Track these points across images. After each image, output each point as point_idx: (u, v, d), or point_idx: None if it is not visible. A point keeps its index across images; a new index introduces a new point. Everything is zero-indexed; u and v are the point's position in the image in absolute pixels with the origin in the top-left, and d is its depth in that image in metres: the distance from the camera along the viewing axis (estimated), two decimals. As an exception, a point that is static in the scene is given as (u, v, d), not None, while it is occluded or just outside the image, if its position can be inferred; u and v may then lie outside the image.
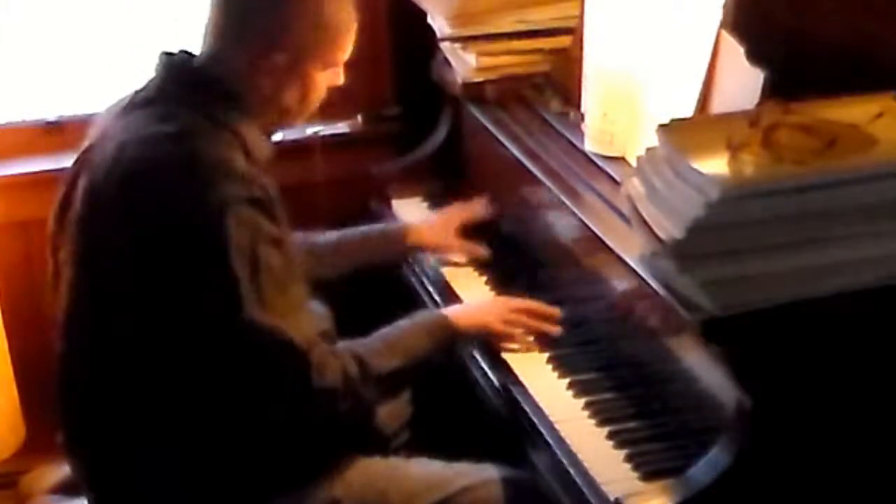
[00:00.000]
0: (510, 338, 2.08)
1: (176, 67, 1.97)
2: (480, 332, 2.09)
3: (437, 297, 2.33)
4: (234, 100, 1.94)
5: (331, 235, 2.34)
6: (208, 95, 1.93)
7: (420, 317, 2.07)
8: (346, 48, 2.01)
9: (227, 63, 1.95)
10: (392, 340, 1.99)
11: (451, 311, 2.11)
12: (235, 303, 1.80)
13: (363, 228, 2.41)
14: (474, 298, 2.26)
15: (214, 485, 1.94)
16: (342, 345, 1.97)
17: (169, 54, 1.98)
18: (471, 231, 2.48)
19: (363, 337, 2.00)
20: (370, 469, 2.05)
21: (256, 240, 1.82)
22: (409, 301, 2.36)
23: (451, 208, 2.52)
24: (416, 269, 2.46)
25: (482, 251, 2.41)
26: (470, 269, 2.40)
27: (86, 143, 2.00)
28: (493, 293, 2.29)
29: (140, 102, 1.95)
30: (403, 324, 2.03)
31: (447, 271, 2.40)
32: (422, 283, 2.42)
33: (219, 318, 1.82)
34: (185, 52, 1.99)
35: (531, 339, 2.09)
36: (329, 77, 2.02)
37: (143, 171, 1.86)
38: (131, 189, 1.86)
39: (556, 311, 2.11)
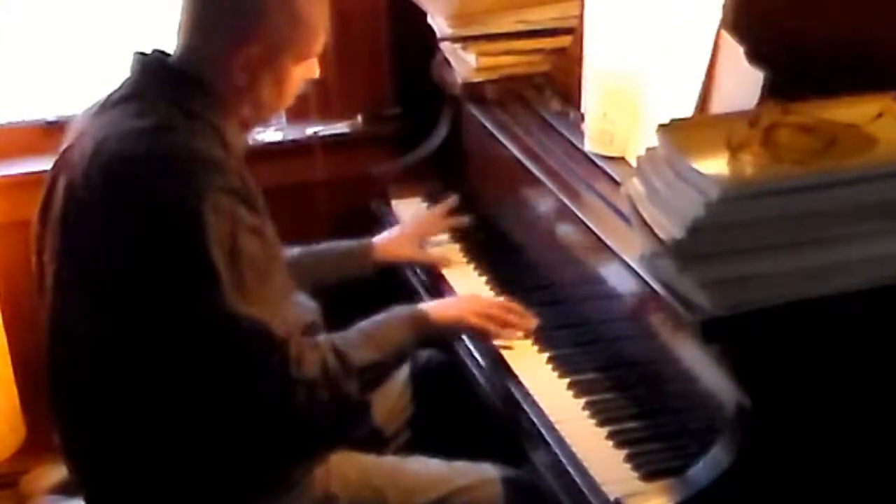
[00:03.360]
0: (485, 333, 2.10)
1: (150, 65, 1.98)
2: (456, 327, 2.11)
3: (430, 289, 2.34)
4: (210, 94, 1.95)
5: (293, 250, 2.30)
6: (184, 90, 1.94)
7: (398, 311, 2.07)
8: (321, 40, 2.01)
9: (202, 58, 1.95)
10: (370, 333, 1.99)
11: (427, 306, 2.12)
12: (215, 292, 1.80)
13: (327, 246, 2.40)
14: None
15: (206, 480, 1.94)
16: (321, 337, 1.97)
17: (142, 54, 1.99)
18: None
19: (348, 327, 2.01)
20: (367, 466, 2.06)
21: (235, 228, 1.82)
22: (402, 296, 2.37)
23: (415, 220, 2.54)
24: (412, 263, 2.47)
25: (447, 261, 2.44)
26: (470, 269, 2.41)
27: (64, 145, 2.01)
28: (492, 292, 2.30)
29: (116, 101, 1.96)
30: (381, 317, 2.04)
31: (445, 269, 2.41)
32: (417, 277, 2.43)
33: (198, 308, 1.82)
34: (159, 51, 2.00)
35: (507, 335, 2.11)
36: (304, 70, 2.01)
37: (121, 165, 1.87)
38: (110, 183, 1.87)
39: (530, 315, 2.13)
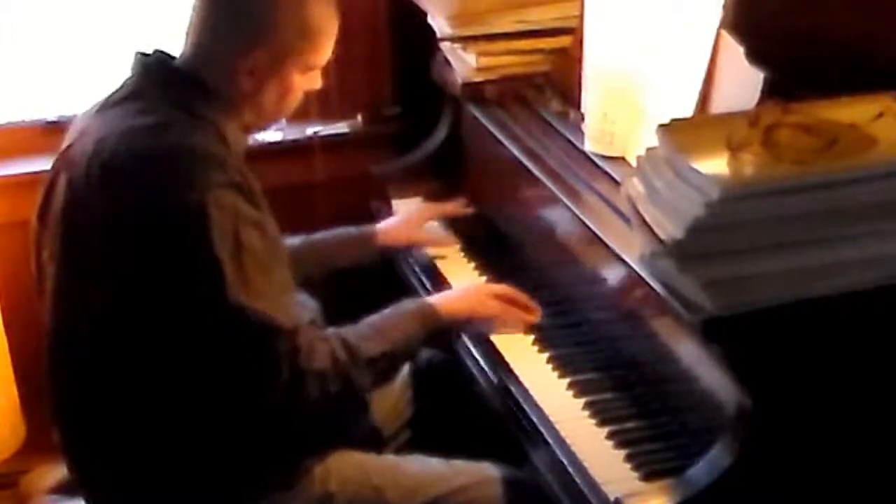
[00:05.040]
0: (499, 321, 2.11)
1: (152, 65, 1.99)
2: (466, 318, 2.11)
3: (430, 291, 2.34)
4: (212, 95, 1.96)
5: (295, 240, 2.32)
6: (185, 90, 1.95)
7: (406, 304, 2.08)
8: (327, 52, 2.03)
9: (208, 60, 1.97)
10: (379, 326, 2.00)
11: (435, 299, 2.12)
12: (219, 286, 1.81)
13: (331, 233, 2.42)
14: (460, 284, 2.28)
15: (210, 478, 1.94)
16: (329, 330, 1.98)
17: (144, 54, 2.00)
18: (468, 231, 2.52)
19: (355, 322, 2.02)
20: (366, 464, 2.06)
21: (238, 223, 1.83)
22: (403, 294, 2.37)
23: (419, 205, 2.57)
24: (411, 264, 2.47)
25: (452, 240, 2.48)
26: (470, 268, 2.41)
27: (64, 144, 2.02)
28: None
29: (117, 100, 1.97)
30: (389, 311, 2.04)
31: (443, 266, 2.41)
32: (417, 278, 2.43)
33: (204, 303, 1.83)
34: (160, 52, 2.00)
35: (520, 322, 2.12)
36: (307, 81, 2.03)
37: (122, 161, 1.87)
38: (112, 180, 1.87)
39: (534, 304, 2.15)
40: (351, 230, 2.44)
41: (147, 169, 1.86)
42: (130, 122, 1.91)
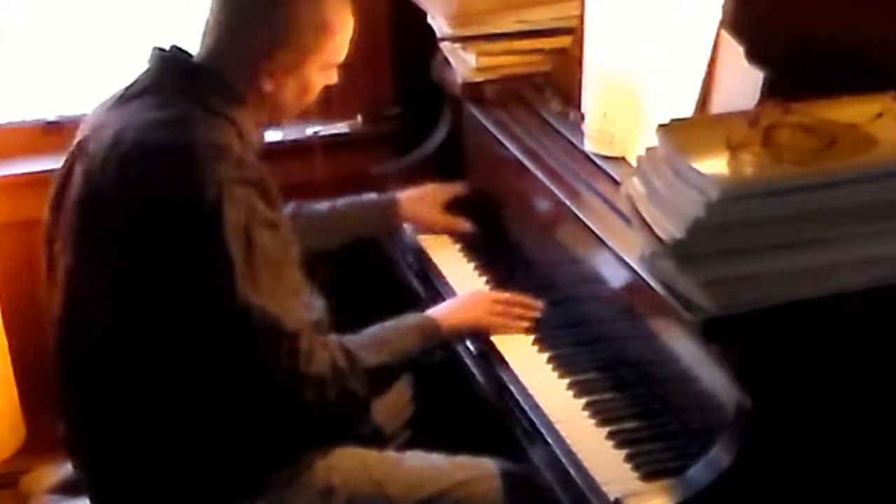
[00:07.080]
0: (502, 328, 2.12)
1: (170, 61, 2.01)
2: (470, 329, 2.13)
3: (431, 292, 2.34)
4: (230, 93, 1.97)
5: (321, 206, 2.36)
6: (204, 86, 1.96)
7: (409, 318, 2.09)
8: (344, 49, 2.06)
9: (229, 60, 1.98)
10: (381, 338, 2.02)
11: (438, 313, 2.13)
12: (229, 283, 1.82)
13: (353, 200, 2.45)
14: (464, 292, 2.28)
15: (212, 472, 1.95)
16: (331, 337, 1.99)
17: (161, 49, 2.01)
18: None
19: (357, 331, 2.03)
20: (368, 460, 2.07)
21: (251, 221, 1.85)
22: (404, 294, 2.38)
23: (432, 185, 2.57)
24: (413, 264, 2.47)
25: (466, 225, 2.49)
26: (470, 268, 2.41)
27: (78, 137, 2.03)
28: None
29: (134, 94, 1.99)
30: (392, 324, 2.06)
31: (446, 269, 2.41)
32: (418, 277, 2.44)
33: (212, 298, 1.84)
34: (177, 48, 2.01)
35: (523, 323, 2.13)
36: (325, 77, 2.06)
37: (140, 154, 1.89)
38: (129, 172, 1.88)
39: (536, 302, 2.16)
40: (374, 199, 2.47)
41: (164, 163, 1.87)
42: (149, 115, 1.92)
